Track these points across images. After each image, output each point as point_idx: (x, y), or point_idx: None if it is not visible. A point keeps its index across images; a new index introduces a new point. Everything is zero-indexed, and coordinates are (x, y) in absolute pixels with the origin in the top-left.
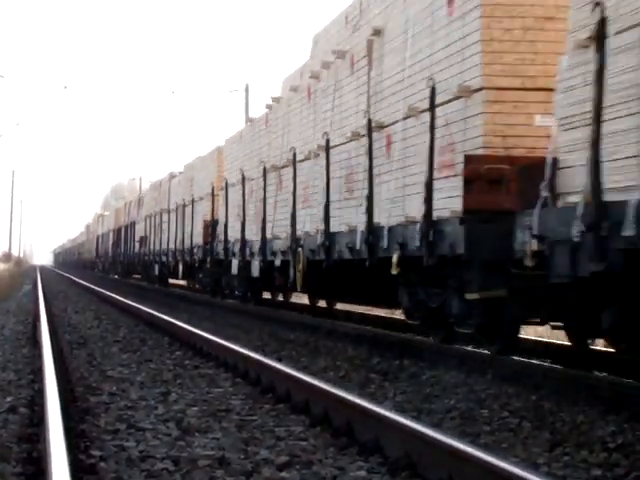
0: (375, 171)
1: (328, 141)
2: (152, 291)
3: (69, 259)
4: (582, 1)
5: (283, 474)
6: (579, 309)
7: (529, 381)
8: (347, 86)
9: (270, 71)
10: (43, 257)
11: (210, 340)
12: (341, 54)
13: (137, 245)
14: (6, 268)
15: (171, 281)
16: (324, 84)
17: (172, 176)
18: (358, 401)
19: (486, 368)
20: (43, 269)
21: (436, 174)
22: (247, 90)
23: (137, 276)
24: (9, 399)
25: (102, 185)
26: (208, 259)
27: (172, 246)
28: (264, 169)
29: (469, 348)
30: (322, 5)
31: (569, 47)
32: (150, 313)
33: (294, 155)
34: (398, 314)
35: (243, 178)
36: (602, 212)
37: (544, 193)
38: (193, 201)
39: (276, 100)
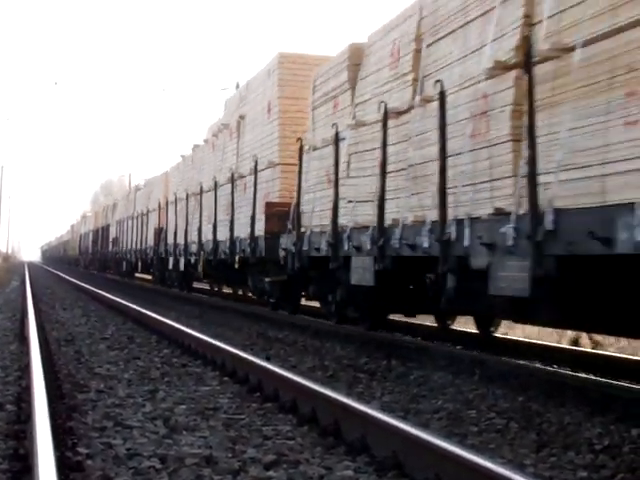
0: (237, 204)
1: (216, 183)
2: (139, 289)
3: (55, 255)
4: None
5: (270, 473)
6: (306, 287)
7: (516, 382)
8: (228, 147)
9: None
10: (31, 253)
11: (198, 338)
12: (226, 126)
13: (111, 245)
14: None
15: (140, 275)
16: (219, 142)
17: (138, 188)
18: (346, 401)
19: (474, 369)
20: (31, 265)
21: (257, 212)
22: (238, 88)
23: (111, 271)
24: None
25: (92, 182)
26: (156, 257)
27: (134, 246)
28: (187, 194)
29: (458, 348)
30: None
31: None
32: (138, 311)
33: (201, 187)
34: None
35: (176, 199)
36: (300, 237)
37: (289, 225)
38: (149, 212)
39: (197, 146)
